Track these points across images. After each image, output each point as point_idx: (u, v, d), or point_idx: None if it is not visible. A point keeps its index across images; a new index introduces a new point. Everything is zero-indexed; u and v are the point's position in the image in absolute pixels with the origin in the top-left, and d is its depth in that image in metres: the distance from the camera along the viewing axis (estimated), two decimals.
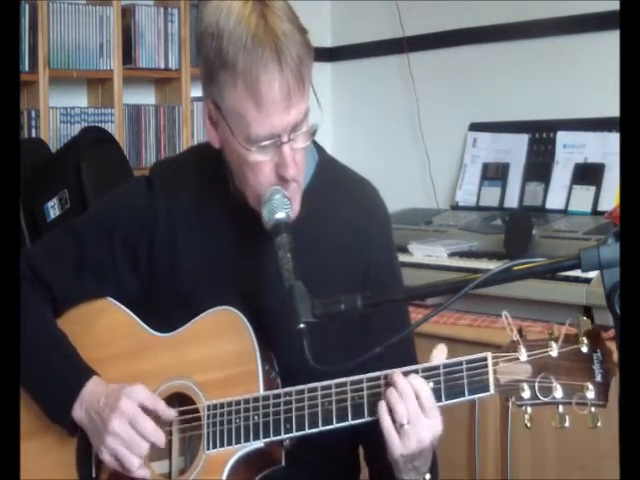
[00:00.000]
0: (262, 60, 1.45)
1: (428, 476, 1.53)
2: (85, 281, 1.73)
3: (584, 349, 1.39)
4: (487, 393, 1.43)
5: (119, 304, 1.72)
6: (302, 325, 1.44)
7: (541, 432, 2.50)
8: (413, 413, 1.43)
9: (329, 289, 1.49)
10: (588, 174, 3.21)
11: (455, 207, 3.59)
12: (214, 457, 1.55)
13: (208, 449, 1.56)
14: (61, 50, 3.56)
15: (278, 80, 1.46)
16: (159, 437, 1.57)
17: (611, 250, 1.31)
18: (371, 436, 1.52)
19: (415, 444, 1.44)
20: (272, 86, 1.45)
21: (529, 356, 1.41)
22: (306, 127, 1.53)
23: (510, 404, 1.41)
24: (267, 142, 1.50)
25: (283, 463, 1.56)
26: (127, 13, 3.74)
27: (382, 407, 1.44)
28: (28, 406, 1.67)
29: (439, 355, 1.48)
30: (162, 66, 3.82)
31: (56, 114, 3.57)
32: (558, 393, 1.39)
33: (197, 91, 3.84)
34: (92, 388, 1.63)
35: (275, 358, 1.62)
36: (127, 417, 1.55)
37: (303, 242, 1.55)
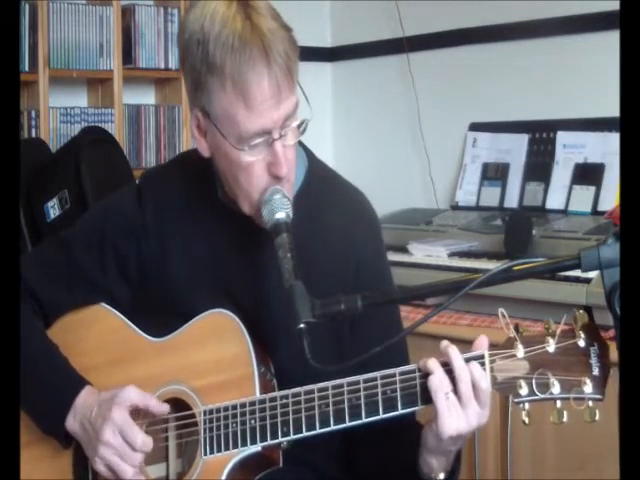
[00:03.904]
0: (250, 60, 1.45)
1: (442, 475, 1.53)
2: (75, 293, 1.73)
3: (581, 343, 1.39)
4: (490, 394, 1.42)
5: (113, 309, 1.72)
6: (302, 325, 1.43)
7: (541, 432, 2.50)
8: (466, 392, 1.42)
9: (320, 294, 1.48)
10: (588, 174, 3.20)
11: (455, 207, 3.58)
12: (212, 462, 1.55)
13: (205, 454, 1.55)
14: (61, 50, 3.56)
15: (267, 77, 1.46)
16: (149, 447, 1.57)
17: (611, 250, 1.31)
18: (364, 441, 1.53)
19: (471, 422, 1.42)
20: (262, 84, 1.46)
21: (526, 352, 1.41)
22: (296, 121, 1.53)
23: (510, 401, 1.41)
24: (259, 140, 1.50)
25: (281, 464, 1.56)
26: (127, 13, 3.74)
27: (434, 381, 1.43)
28: (23, 416, 1.65)
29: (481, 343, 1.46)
30: (162, 66, 3.81)
31: (56, 114, 3.57)
32: (556, 389, 1.38)
33: None
34: (85, 398, 1.62)
35: (271, 360, 1.62)
36: (118, 427, 1.55)
37: (294, 247, 1.54)
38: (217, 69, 1.47)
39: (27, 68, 3.46)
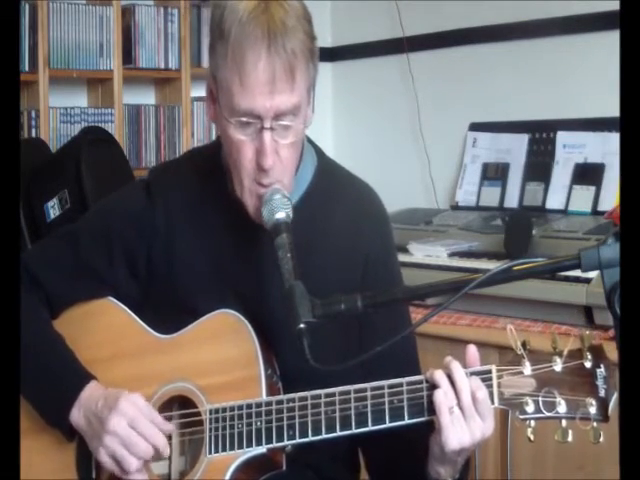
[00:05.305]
0: (251, 37, 1.48)
1: None
2: (81, 285, 1.73)
3: (587, 364, 1.40)
4: (491, 406, 1.43)
5: (120, 304, 1.72)
6: (302, 325, 1.43)
7: (541, 431, 2.50)
8: (466, 404, 1.43)
9: (328, 291, 1.49)
10: (588, 174, 3.20)
11: (455, 207, 3.58)
12: (216, 461, 1.54)
13: (210, 453, 1.55)
14: (61, 50, 3.56)
15: (264, 63, 1.48)
16: (160, 440, 1.55)
17: (611, 250, 1.31)
18: (371, 439, 1.53)
19: (469, 436, 1.44)
20: (257, 67, 1.48)
21: (533, 370, 1.41)
22: (294, 123, 1.54)
23: (510, 416, 1.41)
24: (247, 119, 1.51)
25: (284, 467, 1.56)
26: (127, 13, 3.74)
27: (439, 395, 1.43)
28: (26, 404, 1.65)
29: (472, 357, 1.47)
30: (162, 66, 3.82)
31: (56, 114, 3.57)
32: (562, 408, 1.39)
33: (197, 91, 3.84)
34: (90, 392, 1.61)
35: (276, 361, 1.62)
36: (126, 417, 1.54)
37: (302, 244, 1.55)
38: (224, 35, 1.50)
39: (27, 68, 3.46)
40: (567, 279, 2.62)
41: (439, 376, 1.44)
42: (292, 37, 1.49)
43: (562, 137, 3.30)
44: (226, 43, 1.50)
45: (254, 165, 1.54)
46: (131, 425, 1.54)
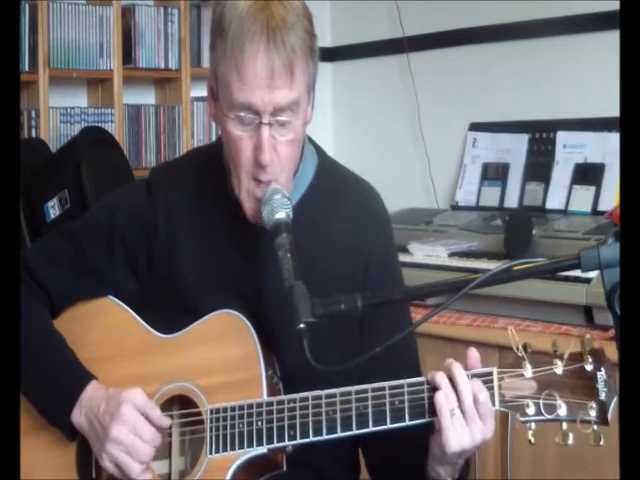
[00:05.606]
0: (250, 31, 1.49)
1: None
2: (82, 283, 1.73)
3: (588, 367, 1.39)
4: (492, 408, 1.43)
5: (121, 303, 1.71)
6: (302, 325, 1.43)
7: (541, 433, 2.50)
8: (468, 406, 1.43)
9: (329, 291, 1.49)
10: (588, 174, 3.20)
11: (455, 207, 3.58)
12: (216, 461, 1.54)
13: (210, 453, 1.55)
14: (61, 50, 3.56)
15: (262, 57, 1.48)
16: (159, 441, 1.56)
17: (611, 250, 1.31)
18: (371, 440, 1.53)
19: (469, 439, 1.44)
20: (255, 60, 1.49)
21: (534, 373, 1.41)
22: (293, 120, 1.54)
23: (510, 418, 1.41)
24: (245, 113, 1.51)
25: (285, 468, 1.56)
26: (127, 13, 3.74)
27: (440, 396, 1.43)
28: (27, 402, 1.66)
29: (473, 360, 1.47)
30: (162, 66, 3.82)
31: (56, 114, 3.57)
32: (562, 411, 1.39)
33: (197, 91, 3.84)
34: (91, 393, 1.62)
35: (277, 362, 1.62)
36: (128, 424, 1.54)
37: (303, 244, 1.55)
38: (224, 31, 1.51)
39: (27, 68, 3.46)
40: (567, 279, 2.62)
41: (440, 378, 1.44)
42: (291, 34, 1.50)
43: (562, 137, 3.30)
44: (225, 39, 1.50)
45: (252, 162, 1.54)
46: (133, 432, 1.55)
